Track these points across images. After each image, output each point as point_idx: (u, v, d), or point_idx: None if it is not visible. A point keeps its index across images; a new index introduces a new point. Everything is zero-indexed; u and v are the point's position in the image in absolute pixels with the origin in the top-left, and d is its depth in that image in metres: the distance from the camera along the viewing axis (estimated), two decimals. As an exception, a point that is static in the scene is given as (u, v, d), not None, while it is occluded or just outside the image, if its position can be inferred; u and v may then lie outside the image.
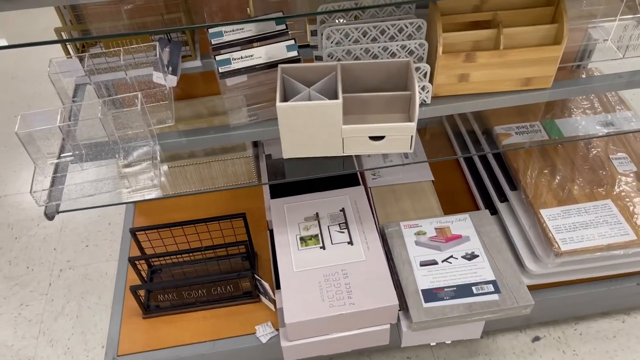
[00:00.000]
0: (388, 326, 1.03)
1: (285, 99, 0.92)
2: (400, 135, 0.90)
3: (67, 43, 1.05)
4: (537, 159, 1.20)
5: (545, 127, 1.22)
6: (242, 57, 0.99)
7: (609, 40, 1.09)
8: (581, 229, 1.06)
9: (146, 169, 0.92)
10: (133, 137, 0.94)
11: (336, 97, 0.88)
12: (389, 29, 0.96)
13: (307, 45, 1.13)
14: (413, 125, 0.88)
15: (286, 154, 0.93)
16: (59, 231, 1.56)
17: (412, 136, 0.90)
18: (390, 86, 0.95)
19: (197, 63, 1.13)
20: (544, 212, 1.09)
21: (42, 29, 1.01)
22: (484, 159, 1.28)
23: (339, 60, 0.98)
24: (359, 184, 1.23)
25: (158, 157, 0.93)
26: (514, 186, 1.19)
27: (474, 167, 1.33)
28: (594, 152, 1.21)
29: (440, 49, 0.94)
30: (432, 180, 1.30)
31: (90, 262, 1.48)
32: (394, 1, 0.91)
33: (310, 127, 0.89)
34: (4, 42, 0.69)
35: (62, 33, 1.03)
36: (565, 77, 1.06)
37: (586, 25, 1.11)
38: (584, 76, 1.10)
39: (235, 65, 0.99)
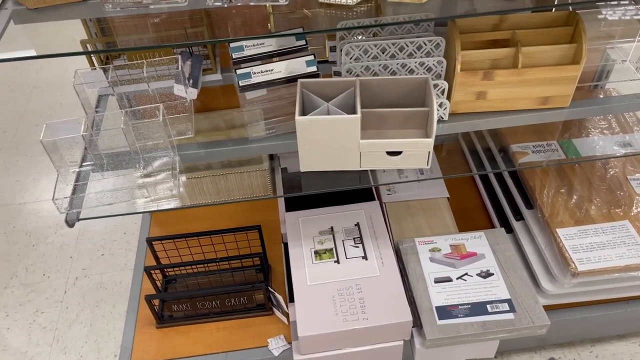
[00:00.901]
0: (401, 342, 1.03)
1: (304, 113, 0.93)
2: (417, 151, 0.90)
3: (91, 55, 1.08)
4: (554, 178, 1.19)
5: (562, 147, 1.21)
6: (262, 72, 1.00)
7: (628, 61, 1.09)
8: (598, 249, 1.05)
9: (165, 179, 0.94)
10: (153, 147, 0.96)
11: (354, 112, 0.88)
12: (407, 46, 0.97)
13: (326, 61, 1.15)
14: (430, 141, 0.89)
15: (304, 167, 0.94)
16: (76, 239, 1.58)
17: (429, 152, 0.90)
18: (408, 102, 0.96)
19: (218, 76, 1.15)
20: (561, 232, 1.08)
21: (68, 40, 1.04)
22: (499, 177, 1.28)
23: (358, 76, 0.99)
24: (374, 199, 1.23)
25: (177, 168, 0.95)
26: (530, 205, 1.18)
27: (490, 184, 1.33)
28: (612, 173, 1.20)
29: (458, 67, 0.95)
30: (448, 197, 1.30)
31: (105, 270, 1.49)
32: (412, 19, 0.92)
33: (328, 141, 0.89)
34: (32, 53, 0.71)
35: (88, 45, 1.05)
36: (583, 96, 1.06)
37: (605, 46, 1.11)
38: (601, 96, 1.10)
39: (255, 79, 1.00)
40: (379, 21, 0.99)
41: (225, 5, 0.71)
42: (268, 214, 1.38)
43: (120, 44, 1.07)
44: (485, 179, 1.34)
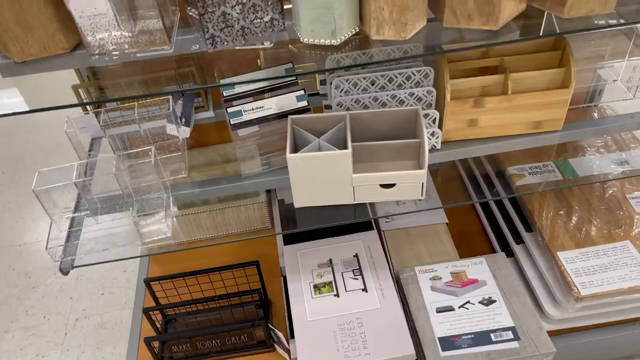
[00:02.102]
0: (405, 376, 1.01)
1: (295, 149, 0.93)
2: (411, 183, 0.90)
3: (83, 96, 1.08)
4: (552, 200, 1.19)
5: (559, 167, 1.21)
6: (253, 109, 1.01)
7: (619, 80, 1.09)
8: (600, 272, 1.04)
9: (159, 221, 0.93)
10: (146, 189, 0.95)
11: (346, 147, 0.88)
12: (396, 77, 0.97)
13: (317, 94, 1.15)
14: (423, 172, 0.88)
15: (298, 204, 0.94)
16: (75, 279, 1.57)
17: (422, 183, 0.90)
18: (400, 133, 0.96)
19: (210, 114, 1.16)
20: (562, 255, 1.07)
21: (61, 83, 1.05)
22: (498, 200, 1.27)
23: (348, 109, 0.99)
24: (372, 228, 1.22)
25: (171, 210, 0.94)
26: (529, 228, 1.17)
27: (489, 208, 1.32)
28: (610, 192, 1.19)
29: (448, 96, 0.95)
30: (447, 223, 1.29)
31: (105, 310, 1.48)
32: (400, 56, 0.92)
33: (321, 176, 0.89)
34: (24, 108, 0.72)
35: (80, 90, 1.06)
36: (576, 118, 1.06)
37: (595, 66, 1.11)
38: (595, 117, 1.10)
39: (246, 117, 1.00)
40: (368, 54, 0.99)
41: (210, 51, 0.71)
42: (267, 247, 1.37)
43: (112, 90, 1.08)
44: (483, 202, 1.33)
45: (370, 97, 0.98)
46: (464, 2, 0.70)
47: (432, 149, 1.00)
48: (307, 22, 0.70)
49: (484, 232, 1.34)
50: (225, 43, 0.72)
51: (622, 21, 0.75)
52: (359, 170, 0.91)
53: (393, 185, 0.90)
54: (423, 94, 0.98)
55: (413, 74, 0.98)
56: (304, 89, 1.04)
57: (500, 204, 1.26)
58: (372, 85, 0.99)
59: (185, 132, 1.11)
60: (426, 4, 0.72)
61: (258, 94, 1.05)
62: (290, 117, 0.94)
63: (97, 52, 0.72)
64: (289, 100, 1.01)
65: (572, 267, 1.05)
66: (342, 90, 0.99)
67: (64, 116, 0.99)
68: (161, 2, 0.73)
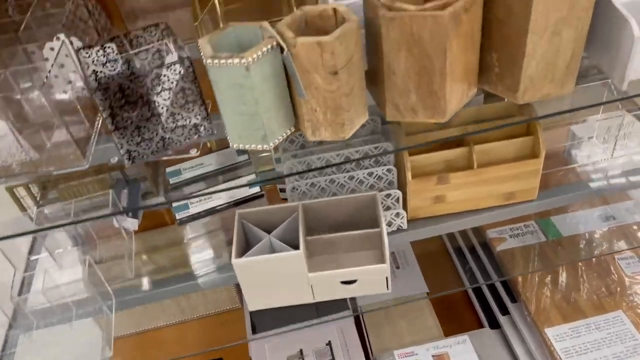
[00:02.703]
0: None
1: (247, 245, 0.85)
2: (375, 277, 0.82)
3: (19, 195, 1.00)
4: (536, 264, 1.10)
5: (541, 227, 1.13)
6: (200, 200, 0.93)
7: (594, 137, 1.01)
8: (593, 350, 0.95)
9: (94, 341, 0.84)
10: (84, 302, 0.87)
11: (299, 243, 0.80)
12: (353, 154, 0.90)
13: (273, 169, 1.08)
14: (386, 267, 0.80)
15: (252, 306, 0.85)
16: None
17: (387, 277, 0.81)
18: (360, 219, 0.88)
19: (161, 199, 1.07)
20: (550, 332, 0.98)
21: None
22: (481, 266, 1.18)
23: (304, 193, 0.91)
24: (347, 308, 1.13)
25: (112, 325, 0.85)
26: (514, 298, 1.08)
27: (472, 273, 1.23)
28: (597, 252, 1.11)
29: (409, 174, 0.87)
30: (427, 292, 1.20)
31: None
32: (355, 157, 0.86)
33: (274, 278, 0.81)
34: None
35: (15, 190, 0.98)
36: (553, 181, 0.98)
37: (567, 123, 1.04)
38: (572, 179, 1.02)
39: (193, 210, 0.93)
40: (323, 159, 0.91)
41: (127, 166, 0.64)
42: (237, 328, 1.27)
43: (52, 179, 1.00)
44: (466, 266, 1.23)
45: (326, 180, 0.90)
46: (406, 96, 0.62)
47: (399, 229, 0.92)
48: (233, 129, 0.63)
49: (469, 299, 1.25)
50: (144, 156, 0.64)
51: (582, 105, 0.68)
52: (316, 266, 0.83)
53: (355, 281, 0.82)
54: (383, 173, 0.90)
55: (371, 150, 0.90)
56: (255, 173, 0.96)
57: (483, 270, 1.17)
58: (327, 165, 0.91)
59: (133, 224, 1.02)
60: (364, 98, 0.64)
61: (208, 178, 0.97)
62: (237, 211, 0.85)
63: (2, 175, 0.64)
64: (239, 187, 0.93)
65: (561, 346, 0.96)
66: (294, 171, 0.91)
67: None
68: (72, 110, 0.66)
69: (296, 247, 0.79)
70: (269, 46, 0.58)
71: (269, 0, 0.88)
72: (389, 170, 0.90)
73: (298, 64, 0.58)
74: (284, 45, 0.57)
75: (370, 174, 0.90)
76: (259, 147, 0.64)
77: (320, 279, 0.81)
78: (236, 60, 0.56)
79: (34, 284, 0.92)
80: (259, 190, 0.94)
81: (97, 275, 0.86)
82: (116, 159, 0.67)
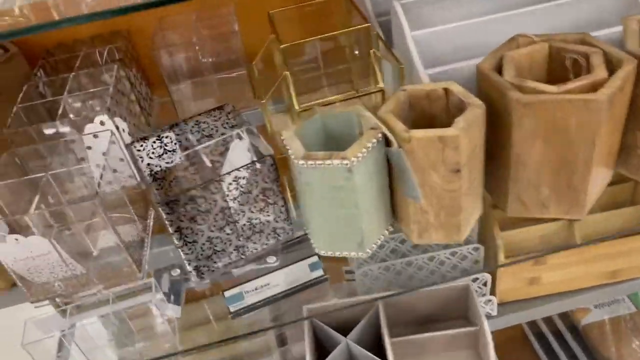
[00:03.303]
0: None
1: (318, 346, 0.73)
2: (472, 384, 0.69)
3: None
4: (629, 340, 0.97)
5: (629, 296, 1.00)
6: (256, 288, 0.81)
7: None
8: None
9: None
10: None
11: (380, 343, 0.68)
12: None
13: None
14: (489, 375, 0.67)
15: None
16: None
17: (487, 385, 0.69)
18: (449, 312, 0.76)
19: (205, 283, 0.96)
20: None
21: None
22: (564, 344, 1.04)
23: (376, 277, 0.79)
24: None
25: None
26: (607, 379, 0.95)
27: (553, 352, 1.09)
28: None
29: (501, 255, 0.75)
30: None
31: None
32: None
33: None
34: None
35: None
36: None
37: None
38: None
39: (248, 300, 0.80)
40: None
41: (194, 285, 0.52)
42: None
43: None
44: (546, 345, 1.10)
45: (402, 262, 0.78)
46: (536, 190, 0.51)
47: (487, 316, 0.80)
48: (323, 235, 0.51)
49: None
50: (214, 270, 0.53)
51: None
52: (402, 369, 0.71)
53: (449, 389, 0.69)
54: (468, 252, 0.78)
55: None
56: (317, 255, 0.84)
57: (567, 349, 1.04)
58: (402, 243, 0.79)
59: (175, 310, 0.90)
60: (482, 190, 0.53)
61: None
62: (305, 307, 0.74)
63: (41, 298, 0.53)
64: (299, 271, 0.81)
65: None
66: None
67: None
68: (120, 205, 0.55)
69: (375, 350, 0.67)
70: (374, 140, 0.47)
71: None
72: (475, 249, 0.78)
73: (412, 161, 0.46)
74: (394, 140, 0.46)
75: (453, 254, 0.78)
76: (353, 254, 0.53)
77: (411, 390, 0.69)
78: (336, 162, 0.45)
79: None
80: (322, 274, 0.82)
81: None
82: (178, 271, 0.56)
